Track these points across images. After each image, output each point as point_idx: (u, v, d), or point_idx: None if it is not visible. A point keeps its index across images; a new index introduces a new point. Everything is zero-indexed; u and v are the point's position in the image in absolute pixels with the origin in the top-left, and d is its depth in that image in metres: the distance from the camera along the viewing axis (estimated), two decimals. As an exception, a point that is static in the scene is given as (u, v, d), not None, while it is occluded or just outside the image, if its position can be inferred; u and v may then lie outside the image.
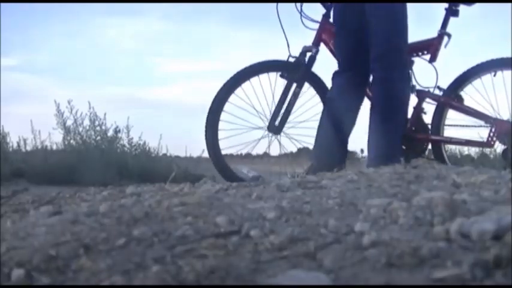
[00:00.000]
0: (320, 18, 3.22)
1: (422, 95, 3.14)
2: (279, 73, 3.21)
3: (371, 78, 2.93)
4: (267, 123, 3.23)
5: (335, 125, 2.90)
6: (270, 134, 3.23)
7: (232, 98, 3.19)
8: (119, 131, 5.46)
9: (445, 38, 3.11)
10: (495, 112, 3.06)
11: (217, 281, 0.72)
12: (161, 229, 0.98)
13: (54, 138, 6.74)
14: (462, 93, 3.13)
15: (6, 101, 9.92)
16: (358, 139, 3.11)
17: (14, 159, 4.89)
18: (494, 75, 3.04)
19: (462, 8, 3.07)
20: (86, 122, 5.31)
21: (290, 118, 3.24)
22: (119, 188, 1.89)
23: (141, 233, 0.95)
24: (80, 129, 5.27)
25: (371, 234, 0.83)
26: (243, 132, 3.22)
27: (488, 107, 3.06)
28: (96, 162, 4.60)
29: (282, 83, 3.22)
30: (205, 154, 3.28)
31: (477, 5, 3.09)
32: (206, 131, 3.17)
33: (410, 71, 3.04)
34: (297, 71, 3.16)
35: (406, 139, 3.07)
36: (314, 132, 3.04)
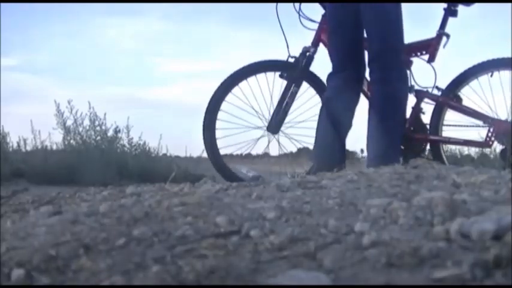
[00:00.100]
0: (319, 18, 3.22)
1: (420, 95, 3.14)
2: (277, 73, 3.21)
3: (369, 78, 2.94)
4: (266, 123, 3.24)
5: (334, 126, 2.90)
6: (269, 134, 3.23)
7: (229, 97, 3.20)
8: (119, 131, 5.47)
9: (444, 38, 3.12)
10: (493, 112, 3.06)
11: (217, 281, 0.72)
12: (161, 229, 0.98)
13: (54, 138, 6.75)
14: (460, 94, 3.13)
15: (6, 101, 9.93)
16: (358, 139, 3.12)
17: (14, 159, 4.89)
18: (491, 76, 3.05)
19: (461, 8, 3.08)
20: (86, 122, 5.33)
21: (289, 118, 3.24)
22: (119, 188, 1.89)
23: (141, 233, 0.95)
24: (80, 129, 5.28)
25: (371, 234, 0.83)
26: (241, 132, 3.23)
27: (486, 107, 3.07)
28: (96, 162, 4.60)
29: (280, 82, 3.22)
30: (205, 154, 3.28)
31: (476, 5, 3.09)
32: (204, 131, 3.18)
33: (408, 71, 3.05)
34: (295, 71, 3.16)
35: (404, 139, 3.08)
36: (314, 132, 3.04)
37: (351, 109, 2.97)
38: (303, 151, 3.59)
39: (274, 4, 3.23)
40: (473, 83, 3.11)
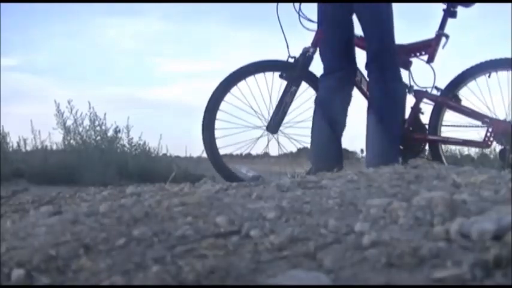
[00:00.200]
0: None
1: (419, 95, 3.15)
2: (276, 73, 3.21)
3: (368, 78, 2.94)
4: (265, 123, 3.24)
5: (330, 126, 2.90)
6: (269, 134, 3.23)
7: (229, 97, 3.20)
8: (119, 131, 5.48)
9: (443, 39, 3.12)
10: (491, 113, 3.07)
11: (217, 281, 0.72)
12: (161, 229, 0.98)
13: (54, 138, 6.76)
14: (459, 94, 3.14)
15: (6, 101, 9.94)
16: (357, 138, 3.12)
17: (14, 159, 4.89)
18: (489, 77, 3.06)
19: (460, 8, 3.08)
20: (86, 122, 5.33)
21: (289, 118, 3.24)
22: (119, 188, 1.89)
23: (141, 233, 0.95)
24: (80, 129, 5.29)
25: (371, 234, 0.83)
26: (240, 132, 3.23)
27: (484, 108, 3.08)
28: (96, 162, 4.60)
29: (279, 82, 3.22)
30: (205, 154, 3.28)
31: (476, 5, 3.10)
32: (203, 131, 3.18)
33: (407, 71, 3.07)
34: (294, 71, 3.16)
35: (403, 139, 3.08)
36: (312, 133, 3.04)
37: (345, 109, 2.98)
38: (302, 151, 3.59)
39: (274, 4, 3.22)
40: (472, 84, 3.12)
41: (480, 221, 0.81)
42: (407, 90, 3.13)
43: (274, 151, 3.42)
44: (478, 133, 3.12)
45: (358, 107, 3.05)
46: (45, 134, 5.65)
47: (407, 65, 3.12)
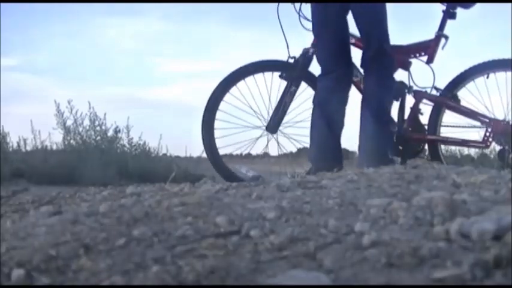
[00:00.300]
0: None
1: (419, 95, 3.15)
2: (276, 73, 3.22)
3: (366, 77, 2.95)
4: (265, 123, 3.24)
5: (329, 127, 2.91)
6: (268, 134, 3.24)
7: (228, 97, 3.20)
8: (119, 131, 5.48)
9: (442, 40, 3.12)
10: (490, 113, 3.07)
11: (217, 281, 0.72)
12: (161, 229, 0.98)
13: (54, 138, 6.76)
14: (458, 94, 3.14)
15: (6, 101, 9.93)
16: (354, 138, 3.12)
17: (14, 159, 4.89)
18: (487, 77, 3.06)
19: (460, 9, 3.09)
20: (86, 122, 5.33)
21: (288, 118, 3.24)
22: (119, 188, 1.89)
23: (141, 233, 0.95)
24: (80, 129, 5.29)
25: (371, 234, 0.83)
26: (240, 132, 3.23)
27: (483, 108, 3.08)
28: (96, 162, 4.60)
29: (278, 82, 3.23)
30: (205, 154, 3.28)
31: (476, 5, 3.10)
32: (202, 131, 3.18)
33: (407, 72, 3.09)
34: (294, 71, 3.16)
35: (402, 139, 3.09)
36: (312, 133, 3.04)
37: (343, 109, 3.00)
38: (302, 151, 3.59)
39: (274, 4, 3.22)
40: (470, 85, 3.13)
41: (480, 221, 0.81)
42: (406, 91, 3.13)
43: (274, 151, 3.43)
44: (478, 133, 3.12)
45: (358, 107, 3.05)
46: (45, 134, 5.66)
47: (406, 66, 3.13)
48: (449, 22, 3.12)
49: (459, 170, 1.63)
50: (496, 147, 3.15)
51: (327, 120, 2.90)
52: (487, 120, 3.06)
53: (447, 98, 3.13)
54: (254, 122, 3.25)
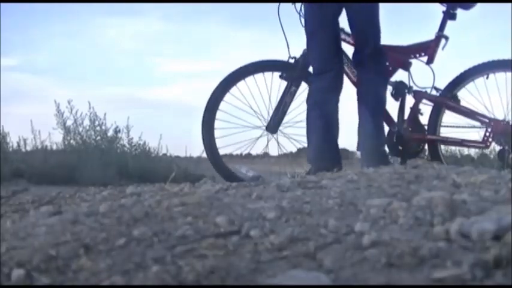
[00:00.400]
0: None
1: (419, 95, 3.15)
2: (276, 73, 3.22)
3: (363, 75, 2.97)
4: (265, 123, 3.24)
5: (327, 127, 2.91)
6: (268, 134, 3.24)
7: (228, 97, 3.21)
8: (119, 131, 5.47)
9: (443, 41, 3.13)
10: (490, 113, 3.08)
11: (217, 281, 0.72)
12: (161, 229, 0.98)
13: (54, 138, 6.75)
14: (458, 95, 3.15)
15: (6, 101, 9.92)
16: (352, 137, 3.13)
17: (14, 159, 4.88)
18: (487, 78, 3.06)
19: (460, 10, 3.09)
20: (86, 122, 5.32)
21: (288, 118, 3.24)
22: (119, 188, 1.89)
23: (141, 233, 0.95)
24: (80, 129, 5.28)
25: (371, 234, 0.83)
26: (240, 132, 3.23)
27: (483, 108, 3.09)
28: (96, 162, 4.60)
29: (278, 82, 3.23)
30: (205, 154, 3.28)
31: (476, 5, 3.10)
32: (202, 130, 3.19)
33: (407, 72, 3.11)
34: (294, 71, 3.16)
35: (402, 140, 3.09)
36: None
37: (337, 108, 3.01)
38: (302, 151, 3.59)
39: (275, 4, 3.22)
40: (470, 85, 3.13)
41: (480, 221, 0.81)
42: (406, 91, 3.14)
43: (274, 151, 3.43)
44: (478, 133, 3.12)
45: (348, 106, 3.07)
46: (45, 134, 5.65)
47: (407, 66, 3.13)
48: (449, 23, 3.12)
49: (459, 170, 1.63)
50: (496, 147, 3.15)
51: (325, 120, 2.90)
52: (487, 121, 3.06)
53: (447, 98, 3.13)
54: (254, 122, 3.25)
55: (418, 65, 3.15)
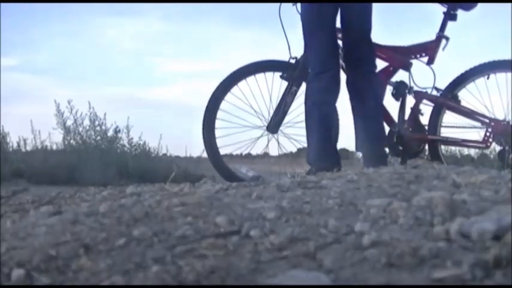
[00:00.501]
0: None
1: (419, 96, 3.16)
2: (277, 73, 3.22)
3: (362, 73, 2.98)
4: (265, 123, 3.24)
5: (327, 127, 2.91)
6: (269, 134, 3.24)
7: (229, 97, 3.21)
8: (119, 131, 5.47)
9: (443, 41, 3.13)
10: (490, 113, 3.08)
11: (217, 281, 0.72)
12: (161, 229, 0.98)
13: (54, 138, 6.76)
14: (459, 95, 3.15)
15: (6, 101, 9.93)
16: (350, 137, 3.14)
17: (14, 159, 4.88)
18: (488, 78, 3.07)
19: (460, 11, 3.10)
20: (86, 122, 5.33)
21: (289, 118, 3.25)
22: (119, 188, 1.89)
23: (141, 233, 0.95)
24: (80, 129, 5.28)
25: (371, 234, 0.83)
26: (241, 132, 3.23)
27: (484, 109, 3.09)
28: (96, 162, 4.60)
29: (279, 82, 3.23)
30: (206, 154, 3.29)
31: (477, 6, 3.10)
32: (203, 130, 3.19)
33: (407, 72, 3.12)
34: (295, 71, 3.17)
35: (403, 140, 3.09)
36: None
37: (336, 108, 3.02)
38: (302, 151, 3.59)
39: (275, 4, 3.23)
40: (471, 86, 3.14)
41: (480, 221, 0.81)
42: (407, 91, 3.14)
43: (274, 151, 3.43)
44: (478, 133, 3.13)
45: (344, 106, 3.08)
46: (45, 134, 5.66)
47: (407, 67, 3.13)
48: (449, 23, 3.13)
49: (459, 170, 1.63)
50: (496, 147, 3.15)
51: (324, 120, 2.90)
52: (487, 121, 3.06)
53: (447, 99, 3.14)
54: (255, 122, 3.26)
55: (418, 65, 3.16)
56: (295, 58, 3.21)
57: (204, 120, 3.19)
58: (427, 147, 3.18)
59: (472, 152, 4.61)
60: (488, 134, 3.06)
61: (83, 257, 0.84)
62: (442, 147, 3.26)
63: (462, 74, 3.15)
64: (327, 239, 0.87)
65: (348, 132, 3.08)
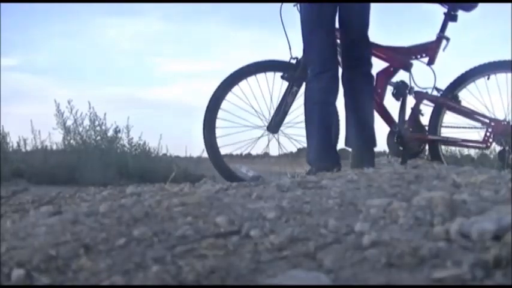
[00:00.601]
0: None
1: (420, 96, 3.16)
2: (277, 73, 3.22)
3: (361, 72, 3.00)
4: (266, 123, 3.24)
5: (328, 128, 2.91)
6: (269, 133, 3.24)
7: (230, 96, 3.21)
8: (119, 131, 5.47)
9: (444, 42, 3.13)
10: (491, 114, 3.08)
11: (217, 281, 0.72)
12: (161, 229, 0.98)
13: (54, 138, 6.76)
14: (459, 95, 3.15)
15: (6, 101, 9.92)
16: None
17: (14, 159, 4.88)
18: (488, 79, 3.07)
19: (461, 12, 3.10)
20: (86, 122, 5.32)
21: (289, 118, 3.25)
22: (119, 188, 1.89)
23: (141, 233, 0.95)
24: (80, 129, 5.28)
25: (371, 234, 0.83)
26: (241, 131, 3.23)
27: (484, 109, 3.09)
28: (96, 162, 4.60)
29: (280, 82, 3.23)
30: (206, 154, 3.29)
31: (477, 6, 3.11)
32: (204, 129, 3.19)
33: (408, 73, 3.13)
34: (296, 71, 3.17)
35: (403, 140, 3.09)
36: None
37: (336, 108, 3.03)
38: (302, 151, 3.59)
39: (275, 4, 3.22)
40: (471, 86, 3.14)
41: (480, 221, 0.81)
42: (407, 91, 3.14)
43: (274, 151, 3.43)
44: (478, 134, 3.13)
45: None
46: (45, 134, 5.66)
47: (408, 67, 3.14)
48: (450, 24, 3.13)
49: (459, 170, 1.63)
50: (496, 147, 3.15)
51: (324, 121, 2.89)
52: (488, 121, 3.07)
53: (448, 99, 3.14)
54: (255, 122, 3.26)
55: (419, 65, 3.17)
56: (296, 58, 3.21)
57: (204, 120, 3.20)
58: (427, 147, 3.18)
59: (472, 152, 4.61)
60: (488, 134, 3.06)
61: (83, 257, 0.84)
62: (442, 147, 3.26)
63: (462, 75, 3.15)
64: (327, 239, 0.87)
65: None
